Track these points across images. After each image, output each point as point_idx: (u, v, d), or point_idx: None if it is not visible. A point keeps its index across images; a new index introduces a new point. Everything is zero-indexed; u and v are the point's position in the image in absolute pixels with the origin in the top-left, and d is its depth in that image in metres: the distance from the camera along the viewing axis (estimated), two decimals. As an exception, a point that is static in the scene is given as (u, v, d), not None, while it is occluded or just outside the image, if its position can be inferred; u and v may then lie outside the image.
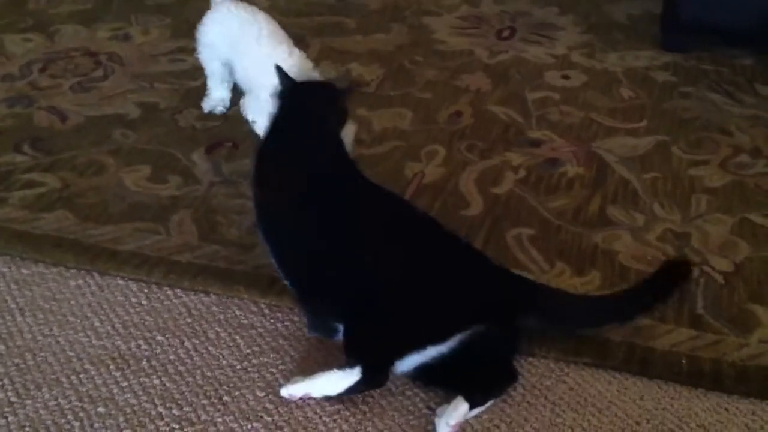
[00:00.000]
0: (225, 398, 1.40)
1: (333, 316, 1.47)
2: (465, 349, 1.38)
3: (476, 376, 1.39)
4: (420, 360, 1.38)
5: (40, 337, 1.52)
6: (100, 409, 1.38)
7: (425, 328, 1.39)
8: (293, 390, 1.39)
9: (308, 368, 1.43)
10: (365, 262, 1.44)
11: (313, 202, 1.53)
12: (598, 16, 2.82)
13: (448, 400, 1.37)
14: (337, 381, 1.37)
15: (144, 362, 1.47)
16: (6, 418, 1.36)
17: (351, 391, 1.38)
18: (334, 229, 1.49)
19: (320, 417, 1.38)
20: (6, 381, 1.43)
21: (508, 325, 1.45)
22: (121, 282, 1.65)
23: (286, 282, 1.56)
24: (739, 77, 2.44)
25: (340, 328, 1.44)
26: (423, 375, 1.41)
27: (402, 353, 1.38)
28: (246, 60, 1.95)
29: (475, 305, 1.42)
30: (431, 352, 1.38)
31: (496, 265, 1.51)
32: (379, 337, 1.39)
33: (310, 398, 1.39)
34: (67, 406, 1.38)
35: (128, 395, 1.40)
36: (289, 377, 1.43)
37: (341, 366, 1.38)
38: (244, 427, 1.36)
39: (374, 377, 1.38)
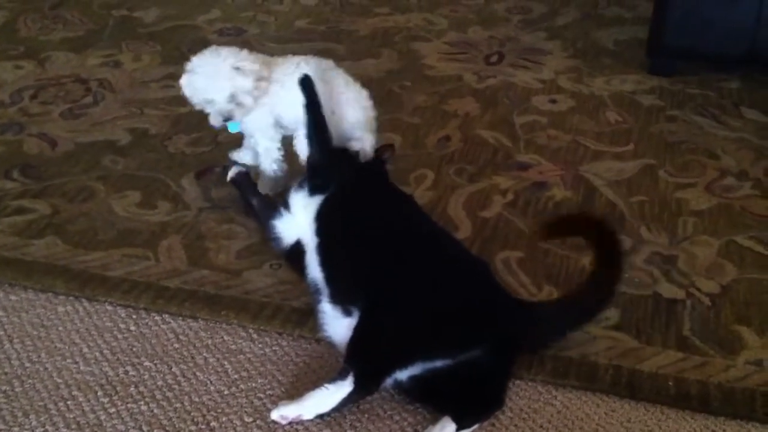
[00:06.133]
0: (213, 424, 1.40)
1: (353, 302, 1.48)
2: (463, 370, 1.40)
3: (468, 399, 1.41)
4: (417, 371, 1.40)
5: (28, 364, 1.51)
6: (88, 436, 1.38)
7: (429, 342, 1.41)
8: (285, 412, 1.39)
9: (297, 393, 1.43)
10: (389, 270, 1.49)
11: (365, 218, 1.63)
12: (585, 42, 2.85)
13: (435, 422, 1.37)
14: (328, 396, 1.38)
15: (132, 388, 1.47)
16: (-7, 445, 1.36)
17: (344, 403, 1.38)
18: (371, 234, 1.58)
19: (308, 442, 1.38)
20: (-7, 408, 1.42)
21: (508, 352, 1.47)
22: (109, 308, 1.65)
23: (315, 259, 1.59)
24: (725, 101, 2.46)
25: (354, 311, 1.46)
26: (416, 389, 1.42)
27: (403, 363, 1.40)
28: None
29: (481, 329, 1.45)
30: (430, 366, 1.40)
31: (508, 293, 1.58)
32: (384, 343, 1.41)
33: (301, 421, 1.39)
34: (54, 433, 1.38)
35: (116, 421, 1.40)
36: (277, 403, 1.42)
37: (331, 380, 1.38)
38: (232, 453, 1.36)
39: (366, 384, 1.39)
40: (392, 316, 1.43)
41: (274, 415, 1.39)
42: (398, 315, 1.43)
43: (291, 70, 1.88)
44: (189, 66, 1.86)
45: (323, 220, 1.64)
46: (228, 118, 1.86)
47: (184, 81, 1.87)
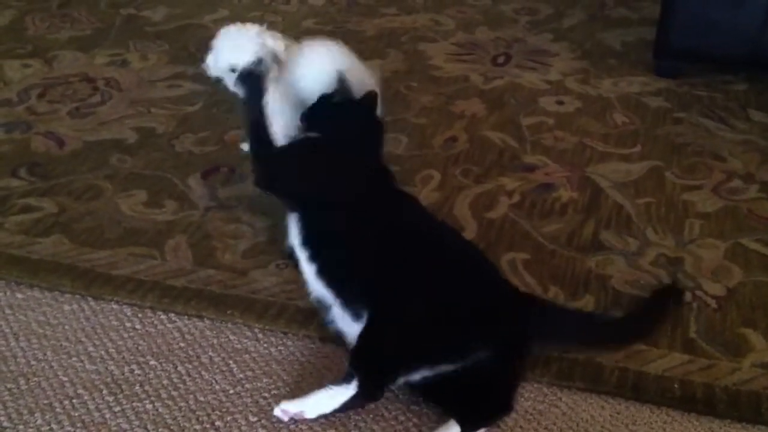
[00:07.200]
0: (217, 423, 1.40)
1: (363, 306, 1.46)
2: (469, 374, 1.39)
3: (473, 402, 1.40)
4: (423, 375, 1.40)
5: (33, 362, 1.52)
6: (93, 434, 1.38)
7: (433, 346, 1.40)
8: (287, 407, 1.39)
9: (301, 393, 1.43)
10: (391, 273, 1.47)
11: (354, 211, 1.58)
12: (592, 43, 2.85)
13: (440, 423, 1.38)
14: (331, 397, 1.38)
15: (137, 387, 1.47)
16: (-2, 443, 1.37)
17: (346, 406, 1.38)
18: (369, 237, 1.54)
19: (313, 442, 1.38)
20: (-1, 406, 1.43)
21: (516, 354, 1.46)
22: (115, 306, 1.65)
23: (310, 270, 1.55)
24: (732, 103, 2.45)
25: (364, 317, 1.45)
26: (422, 389, 1.42)
27: (407, 370, 1.39)
28: None
29: (486, 332, 1.43)
30: (436, 370, 1.39)
31: (515, 289, 1.55)
32: (388, 350, 1.40)
33: (304, 419, 1.39)
34: None
35: (121, 420, 1.40)
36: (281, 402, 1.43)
37: (336, 382, 1.38)
38: (237, 452, 1.36)
39: (371, 390, 1.39)
40: (396, 323, 1.42)
41: (277, 411, 1.40)
42: (402, 321, 1.41)
43: (322, 51, 2.01)
44: (215, 40, 1.96)
45: (316, 229, 1.60)
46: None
47: (211, 53, 1.96)
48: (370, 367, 1.39)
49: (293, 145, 1.80)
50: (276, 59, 1.93)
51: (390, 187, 1.75)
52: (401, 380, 1.41)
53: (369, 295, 1.47)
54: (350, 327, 1.48)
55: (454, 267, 1.51)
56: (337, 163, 1.71)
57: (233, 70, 1.91)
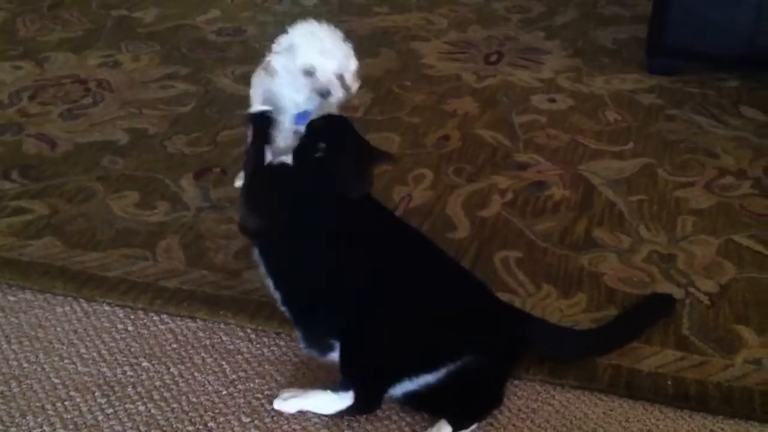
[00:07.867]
0: (210, 424, 1.40)
1: (330, 335, 1.44)
2: (455, 377, 1.38)
3: (462, 401, 1.40)
4: (410, 386, 1.38)
5: (25, 365, 1.51)
6: (85, 437, 1.37)
7: (418, 357, 1.39)
8: (286, 407, 1.41)
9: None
10: (365, 287, 1.43)
11: (318, 226, 1.51)
12: (585, 41, 2.85)
13: (433, 424, 1.37)
14: (330, 402, 1.38)
15: (129, 389, 1.46)
16: (-10, 446, 1.36)
17: (343, 414, 1.39)
18: (336, 255, 1.48)
19: (306, 442, 1.38)
20: (-9, 409, 1.42)
21: (500, 356, 1.45)
22: (107, 308, 1.65)
23: (277, 297, 1.52)
24: (724, 99, 2.46)
25: (336, 344, 1.43)
26: (411, 400, 1.41)
27: (394, 381, 1.38)
28: None
29: (469, 336, 1.41)
30: (422, 380, 1.38)
31: (493, 295, 1.51)
32: (373, 365, 1.40)
33: (299, 421, 1.39)
34: (51, 434, 1.38)
35: (113, 422, 1.40)
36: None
37: (335, 387, 1.39)
38: (230, 453, 1.36)
39: (366, 403, 1.39)
40: (381, 333, 1.39)
41: (276, 405, 1.41)
42: (386, 331, 1.39)
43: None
44: (291, 37, 1.76)
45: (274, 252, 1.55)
46: (326, 93, 1.69)
47: (285, 49, 1.73)
48: (365, 379, 1.39)
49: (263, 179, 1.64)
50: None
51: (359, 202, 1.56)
52: (398, 386, 1.39)
53: (337, 322, 1.42)
54: (320, 357, 1.47)
55: (429, 272, 1.47)
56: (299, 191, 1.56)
57: (309, 73, 1.69)
